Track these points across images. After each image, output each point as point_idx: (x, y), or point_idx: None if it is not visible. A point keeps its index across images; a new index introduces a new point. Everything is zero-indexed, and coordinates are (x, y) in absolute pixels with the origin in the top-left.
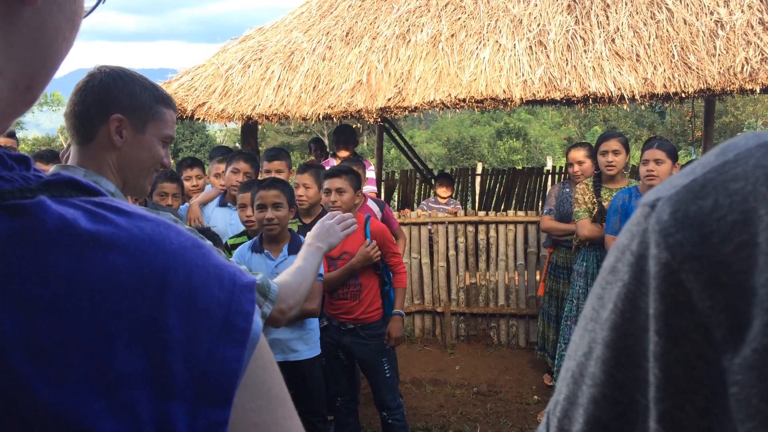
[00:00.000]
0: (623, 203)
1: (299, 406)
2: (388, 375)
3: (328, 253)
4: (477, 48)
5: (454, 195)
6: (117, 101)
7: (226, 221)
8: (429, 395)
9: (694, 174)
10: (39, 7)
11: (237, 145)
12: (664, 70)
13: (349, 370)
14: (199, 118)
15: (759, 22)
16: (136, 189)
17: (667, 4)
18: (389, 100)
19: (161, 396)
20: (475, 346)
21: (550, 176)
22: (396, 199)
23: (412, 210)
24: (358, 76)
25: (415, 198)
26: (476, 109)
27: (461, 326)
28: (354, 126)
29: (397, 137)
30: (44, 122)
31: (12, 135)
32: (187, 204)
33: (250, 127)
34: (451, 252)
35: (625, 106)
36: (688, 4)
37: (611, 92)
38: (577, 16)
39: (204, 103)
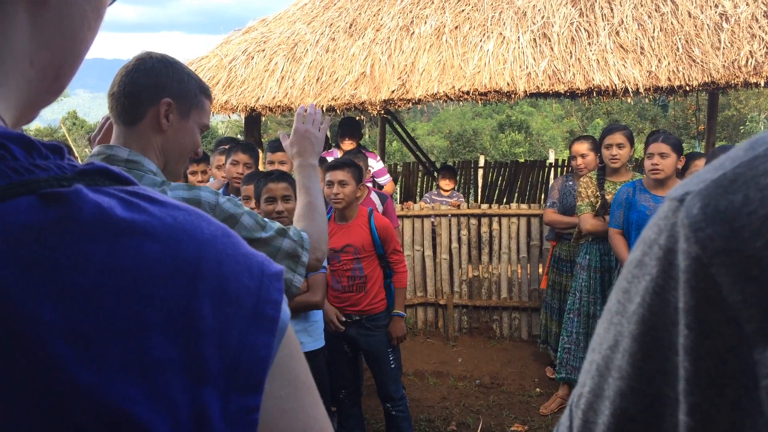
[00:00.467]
0: (627, 197)
1: None
2: (392, 366)
3: (330, 246)
4: (481, 40)
5: (456, 188)
6: (168, 86)
7: None
8: (432, 387)
9: (723, 168)
10: None
11: (240, 136)
12: (669, 63)
13: (353, 362)
14: None
15: (764, 15)
16: (173, 173)
17: None
18: (393, 92)
19: (195, 382)
20: (477, 339)
21: (552, 169)
22: (398, 191)
23: (415, 203)
24: (361, 68)
25: (418, 190)
26: (480, 102)
27: (464, 319)
28: (357, 118)
29: (399, 129)
30: (46, 113)
31: None
32: None
33: (253, 119)
34: (454, 245)
35: (629, 99)
36: None
37: (615, 85)
38: (581, 9)
39: None
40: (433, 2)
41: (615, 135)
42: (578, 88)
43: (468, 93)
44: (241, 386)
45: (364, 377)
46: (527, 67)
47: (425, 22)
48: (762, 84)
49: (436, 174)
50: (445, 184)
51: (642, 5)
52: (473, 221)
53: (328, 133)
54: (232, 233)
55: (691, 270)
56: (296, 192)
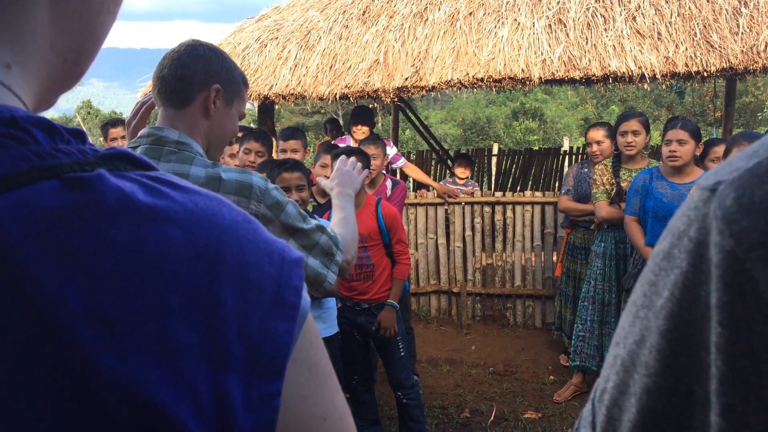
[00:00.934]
0: (644, 184)
1: None
2: (402, 354)
3: None
4: (495, 26)
5: (471, 175)
6: (218, 73)
7: None
8: (445, 374)
9: (757, 156)
10: None
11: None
12: (686, 49)
13: (365, 350)
14: None
15: None
16: (212, 158)
17: None
18: (406, 79)
19: (217, 367)
20: (491, 327)
21: (567, 157)
22: (411, 179)
23: (428, 191)
24: (375, 56)
25: (431, 178)
26: (494, 89)
27: (477, 306)
28: (370, 106)
29: (413, 117)
30: (61, 102)
31: None
32: None
33: (266, 107)
34: (468, 232)
35: (645, 86)
36: None
37: (632, 71)
38: None
39: None
40: None
41: (630, 122)
42: (594, 75)
43: (482, 80)
44: (263, 372)
45: (377, 364)
46: (542, 54)
47: (439, 9)
48: None
49: (450, 162)
50: (461, 171)
51: None
52: (487, 209)
53: (341, 121)
54: (252, 219)
55: (725, 264)
56: (308, 182)
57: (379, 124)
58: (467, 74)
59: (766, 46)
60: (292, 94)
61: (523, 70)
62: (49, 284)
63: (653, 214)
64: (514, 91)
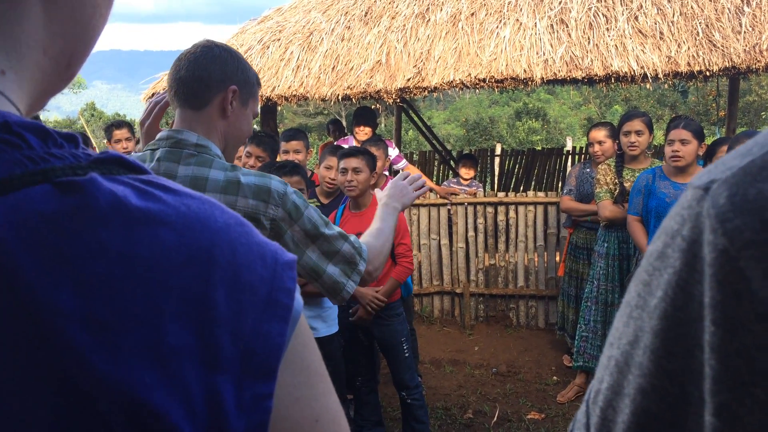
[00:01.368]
0: (647, 183)
1: None
2: (407, 355)
3: None
4: (497, 27)
5: (474, 176)
6: (234, 74)
7: None
8: (448, 375)
9: (751, 155)
10: None
11: (255, 126)
12: (688, 48)
13: (369, 350)
14: None
15: None
16: (228, 158)
17: None
18: (409, 80)
19: (210, 369)
20: (494, 327)
21: (569, 157)
22: None
23: (431, 192)
24: (377, 57)
25: (434, 179)
26: (496, 89)
27: (480, 307)
28: (373, 107)
29: (415, 118)
30: (65, 105)
31: (35, 117)
32: None
33: (269, 109)
34: (471, 233)
35: (648, 85)
36: None
37: (634, 71)
38: None
39: None
40: None
41: (634, 122)
42: (596, 75)
43: (484, 80)
44: (255, 374)
45: (380, 365)
46: (544, 54)
47: (441, 9)
48: None
49: (452, 162)
50: (465, 172)
51: None
52: (490, 209)
53: (344, 122)
54: (245, 222)
55: (718, 263)
56: (306, 185)
57: (382, 125)
58: (469, 75)
59: None
60: (294, 96)
61: (525, 71)
62: (42, 288)
63: (656, 214)
64: (516, 91)
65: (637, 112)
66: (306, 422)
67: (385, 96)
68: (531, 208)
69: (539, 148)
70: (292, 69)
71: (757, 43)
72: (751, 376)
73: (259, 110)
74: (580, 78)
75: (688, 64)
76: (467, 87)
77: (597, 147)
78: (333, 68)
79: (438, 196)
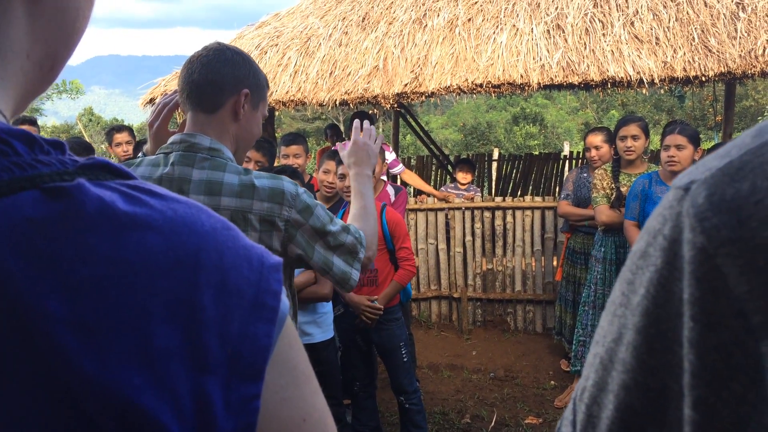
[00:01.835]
0: (643, 188)
1: None
2: (405, 360)
3: None
4: (494, 32)
5: (472, 180)
6: (246, 77)
7: None
8: (446, 380)
9: (729, 156)
10: None
11: None
12: (684, 54)
13: (367, 355)
14: None
15: None
16: (238, 161)
17: None
18: (406, 85)
19: (197, 370)
20: (491, 332)
21: (567, 162)
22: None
23: (428, 196)
24: (374, 62)
25: (432, 184)
26: (493, 94)
27: (478, 312)
28: (370, 112)
29: (413, 123)
30: (62, 110)
31: (33, 122)
32: None
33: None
34: (468, 238)
35: (644, 90)
36: None
37: (630, 76)
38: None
39: None
40: None
41: (629, 127)
42: (593, 80)
43: (481, 85)
44: (242, 375)
45: (378, 370)
46: (541, 59)
47: (438, 15)
48: None
49: (450, 167)
50: (462, 177)
51: None
52: (487, 214)
53: (342, 127)
54: (232, 226)
55: (697, 261)
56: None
57: (380, 130)
58: (466, 80)
59: (764, 50)
60: (292, 101)
61: (521, 76)
62: (32, 292)
63: None
64: (514, 96)
65: (633, 117)
66: (293, 422)
67: (382, 101)
68: (528, 212)
69: (536, 152)
70: (289, 74)
71: (752, 49)
72: (728, 370)
73: (267, 112)
74: (576, 83)
75: (684, 69)
76: (464, 92)
77: (594, 152)
78: (330, 73)
79: (435, 200)
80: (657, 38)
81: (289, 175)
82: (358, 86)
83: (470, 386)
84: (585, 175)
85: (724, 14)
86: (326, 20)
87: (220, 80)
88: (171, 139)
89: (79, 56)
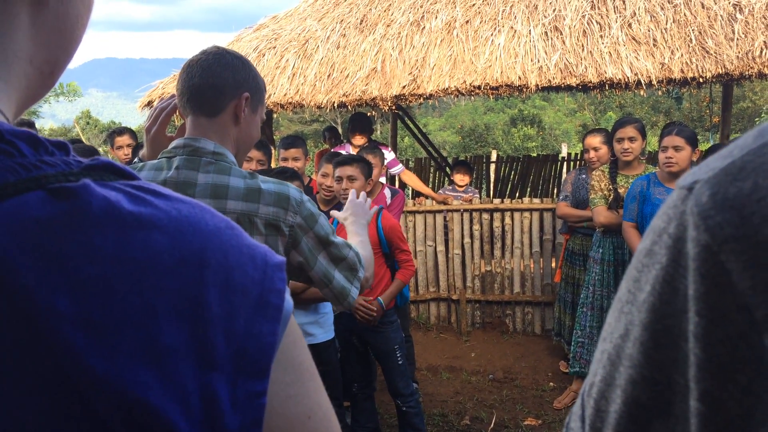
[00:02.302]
0: (641, 190)
1: None
2: (400, 362)
3: None
4: (492, 34)
5: (470, 182)
6: (246, 81)
7: None
8: (445, 382)
9: (731, 156)
10: None
11: None
12: (682, 55)
13: (365, 357)
14: None
15: None
16: (239, 163)
17: None
18: (404, 87)
19: (204, 367)
20: (490, 334)
21: (565, 163)
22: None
23: (427, 198)
24: (372, 64)
25: (430, 186)
26: (491, 96)
27: (477, 314)
28: (369, 114)
29: (411, 125)
30: (60, 113)
31: (31, 125)
32: None
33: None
34: (467, 240)
35: (641, 92)
36: None
37: (628, 78)
38: (593, 1)
39: None
40: None
41: (627, 128)
42: (590, 82)
43: (479, 87)
44: (248, 372)
45: (376, 372)
46: (539, 61)
47: (436, 17)
48: None
49: (448, 169)
50: (460, 179)
51: None
52: (485, 216)
53: (340, 129)
54: (235, 226)
55: (701, 257)
56: (305, 191)
57: (378, 132)
58: (464, 82)
59: (761, 52)
60: (290, 103)
61: (519, 78)
62: (40, 291)
63: (651, 220)
64: (511, 98)
65: (630, 119)
66: (298, 418)
67: (380, 103)
68: (527, 214)
69: (534, 154)
70: (287, 77)
71: (749, 50)
72: (734, 363)
73: (265, 115)
74: (574, 85)
75: (682, 70)
76: (462, 94)
77: (592, 153)
78: (329, 76)
79: (434, 202)
80: (654, 40)
81: (290, 177)
82: (356, 88)
83: (469, 388)
84: (584, 176)
85: (721, 16)
86: (324, 23)
87: (221, 84)
88: (173, 143)
89: (76, 59)
